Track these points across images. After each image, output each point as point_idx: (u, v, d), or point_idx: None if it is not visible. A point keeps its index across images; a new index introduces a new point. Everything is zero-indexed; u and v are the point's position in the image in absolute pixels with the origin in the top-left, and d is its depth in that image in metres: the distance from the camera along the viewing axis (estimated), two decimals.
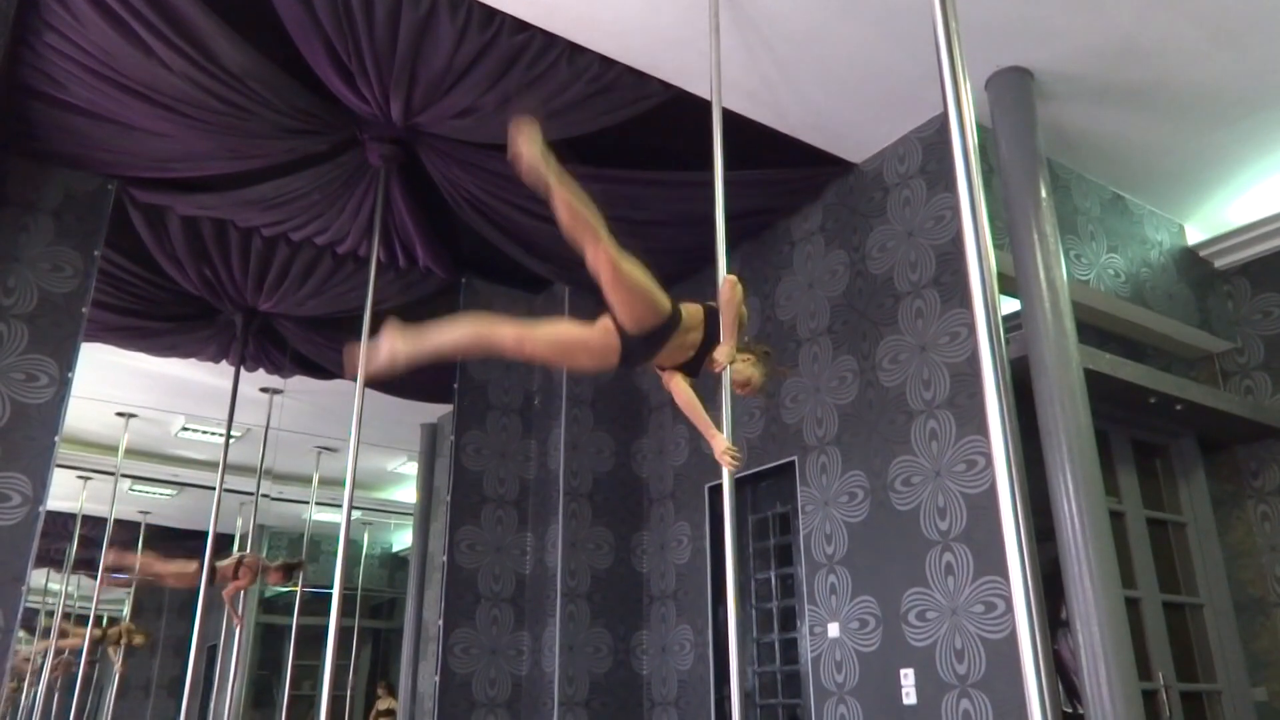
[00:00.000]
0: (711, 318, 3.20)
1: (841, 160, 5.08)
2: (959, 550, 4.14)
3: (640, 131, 4.70)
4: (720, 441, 3.12)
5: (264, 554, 11.61)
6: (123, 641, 9.90)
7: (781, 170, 5.10)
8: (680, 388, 3.23)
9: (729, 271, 3.32)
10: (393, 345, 2.83)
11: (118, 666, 10.35)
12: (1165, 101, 4.49)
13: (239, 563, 7.19)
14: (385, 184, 5.05)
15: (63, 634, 10.71)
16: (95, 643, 10.05)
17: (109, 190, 5.04)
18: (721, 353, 3.12)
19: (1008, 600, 3.84)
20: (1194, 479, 5.26)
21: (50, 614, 11.81)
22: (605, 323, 3.05)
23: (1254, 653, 5.00)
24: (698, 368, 3.24)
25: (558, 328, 3.34)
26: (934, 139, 4.67)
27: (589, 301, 6.42)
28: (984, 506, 4.05)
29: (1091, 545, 3.39)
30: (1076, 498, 3.47)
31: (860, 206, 5.06)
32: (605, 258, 2.89)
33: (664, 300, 3.05)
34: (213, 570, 7.07)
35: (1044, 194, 3.98)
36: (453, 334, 2.91)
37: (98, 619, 10.30)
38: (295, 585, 8.55)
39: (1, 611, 4.19)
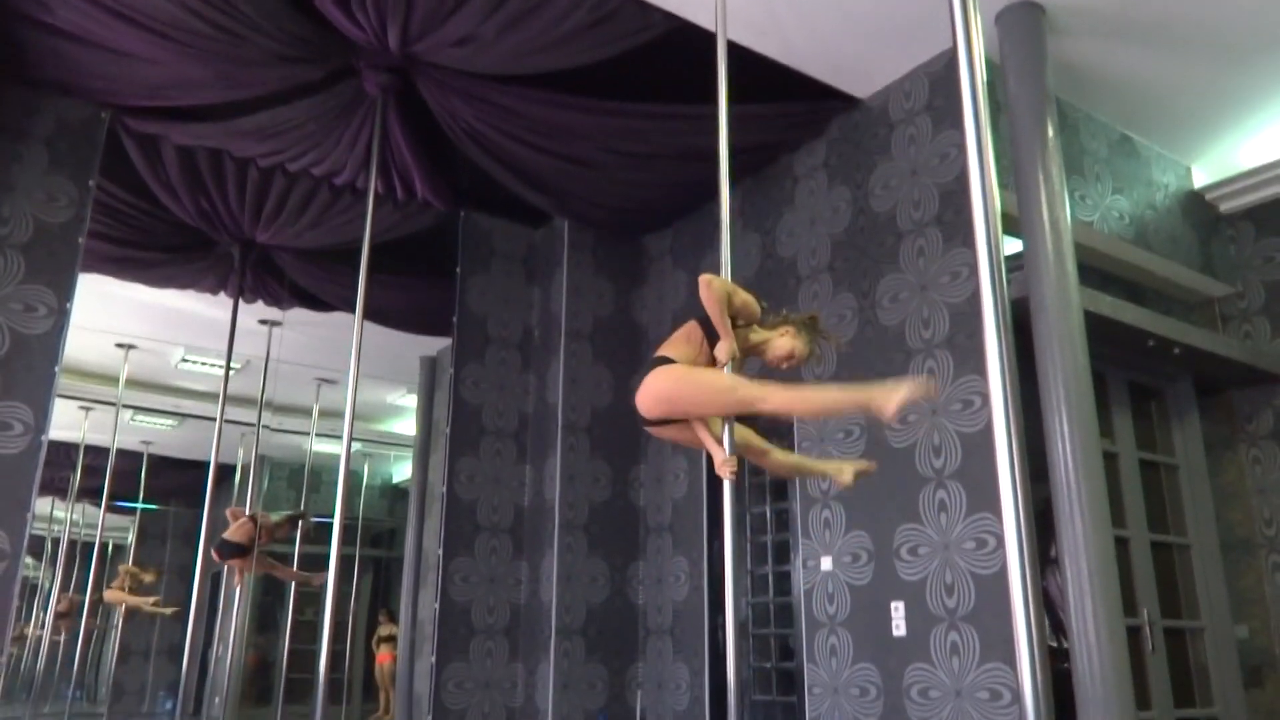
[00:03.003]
0: (708, 323, 3.10)
1: (846, 95, 5.01)
2: (952, 488, 4.19)
3: (641, 63, 4.62)
4: (719, 453, 3.05)
5: (265, 484, 11.72)
6: (128, 586, 9.99)
7: (785, 104, 5.03)
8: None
9: (731, 200, 3.27)
10: None
11: (121, 611, 10.47)
12: (1179, 39, 4.41)
13: (255, 527, 7.17)
14: (382, 114, 4.98)
15: (62, 614, 10.85)
16: (95, 604, 10.14)
17: (102, 119, 4.98)
18: (721, 350, 3.02)
19: (998, 537, 3.89)
20: (1188, 422, 5.29)
21: (56, 541, 11.97)
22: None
23: (1238, 591, 5.09)
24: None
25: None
26: (941, 74, 4.60)
27: (588, 236, 6.42)
28: (979, 445, 4.08)
29: (1084, 485, 3.43)
30: (1071, 438, 3.49)
31: (864, 143, 5.01)
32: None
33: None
34: (236, 546, 7.05)
35: (1051, 133, 3.93)
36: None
37: (103, 546, 10.44)
38: (297, 537, 8.60)
39: (8, 538, 4.25)
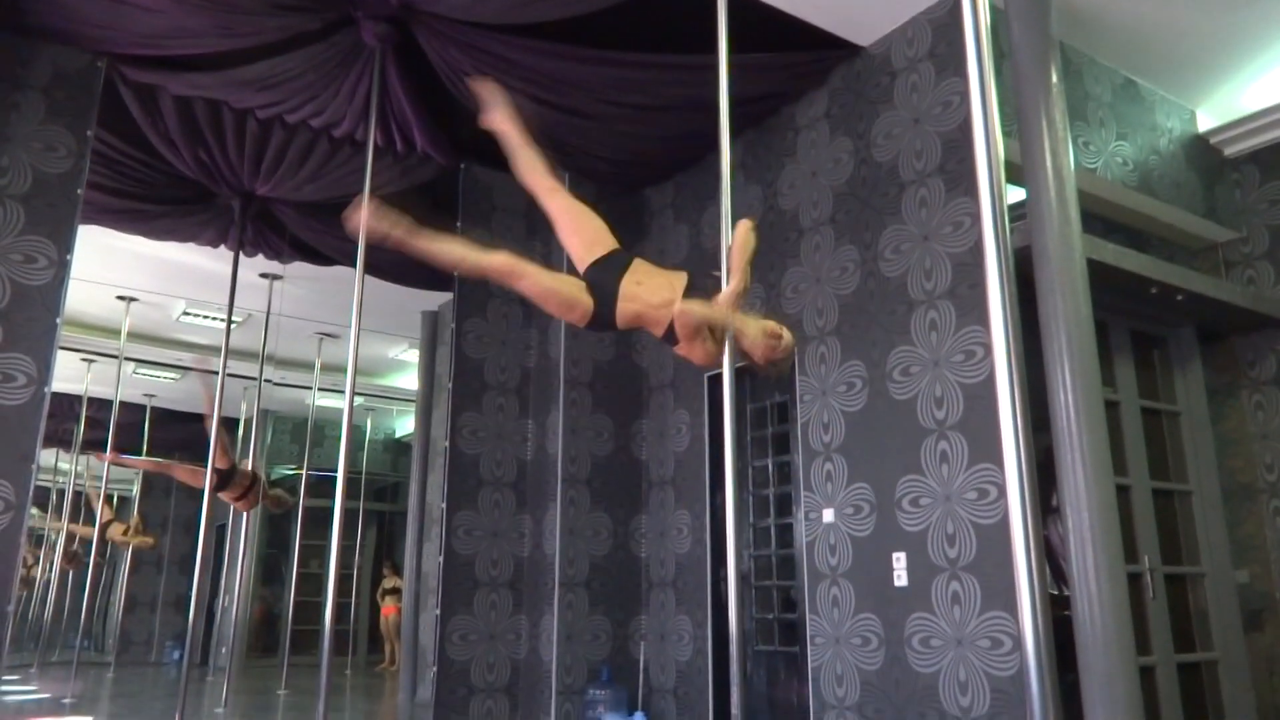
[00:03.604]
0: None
1: (848, 43, 4.94)
2: (954, 439, 4.20)
3: (641, 13, 4.56)
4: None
5: (268, 438, 11.76)
6: (129, 537, 10.08)
7: (786, 54, 4.97)
8: (685, 320, 3.04)
9: (731, 158, 3.26)
10: (388, 225, 3.02)
11: (127, 557, 10.56)
12: None
13: (252, 482, 7.27)
14: (381, 65, 4.92)
15: (71, 557, 10.93)
16: (102, 536, 10.22)
17: (99, 68, 4.92)
18: (726, 297, 3.03)
19: (1000, 487, 3.92)
20: (1190, 369, 5.30)
21: (61, 492, 12.06)
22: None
23: (1239, 537, 5.13)
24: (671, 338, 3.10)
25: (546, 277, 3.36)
26: (945, 20, 4.54)
27: (589, 189, 6.37)
28: (981, 396, 4.09)
29: (1086, 435, 3.43)
30: (1073, 388, 3.49)
31: (866, 92, 4.95)
32: (526, 283, 3.06)
33: (578, 296, 3.07)
34: (225, 477, 7.16)
35: (1055, 79, 3.88)
36: (450, 250, 3.12)
37: (107, 498, 10.54)
38: (296, 514, 8.64)
39: (13, 489, 4.27)
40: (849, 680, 4.52)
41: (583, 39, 4.76)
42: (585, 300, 3.04)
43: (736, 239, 3.07)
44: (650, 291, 3.07)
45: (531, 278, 3.03)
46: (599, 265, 3.11)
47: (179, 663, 10.55)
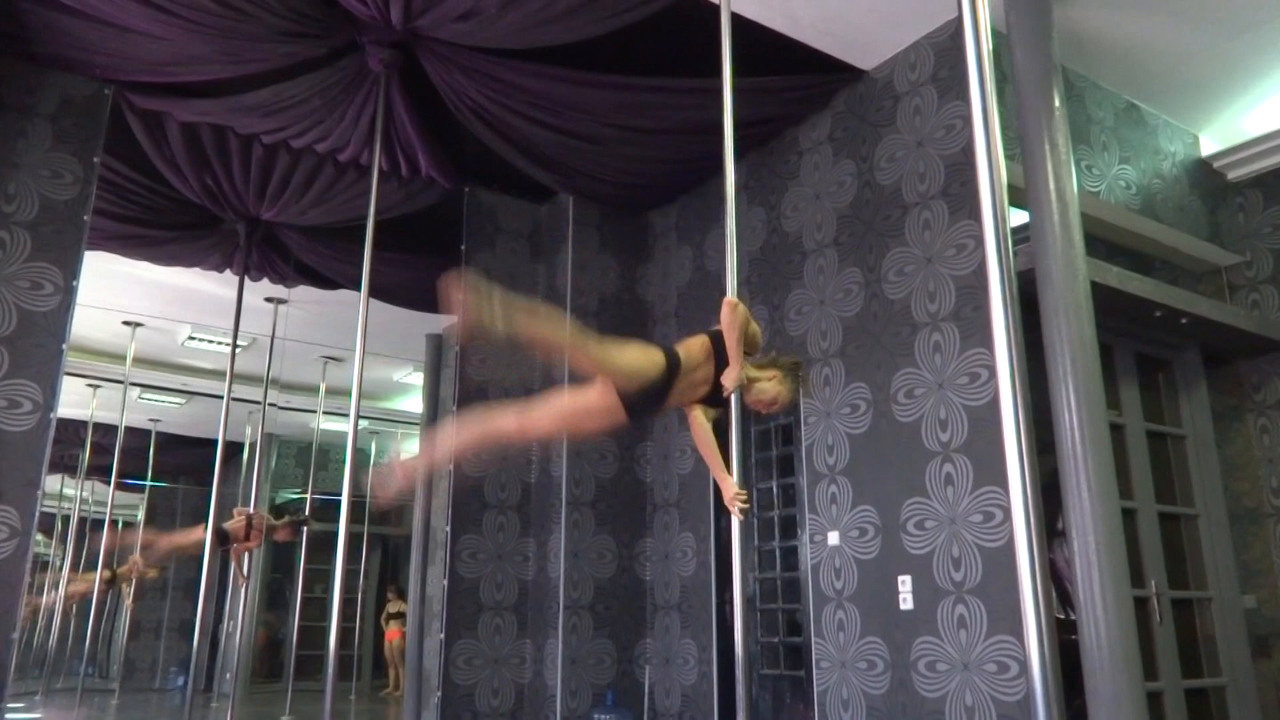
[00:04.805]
0: (718, 342, 3.04)
1: (851, 67, 4.97)
2: (959, 461, 4.19)
3: (645, 37, 4.59)
4: (729, 487, 3.02)
5: (273, 462, 11.76)
6: (135, 576, 10.04)
7: (790, 78, 5.00)
8: (698, 424, 3.11)
9: (735, 175, 3.26)
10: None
11: (129, 594, 10.51)
12: (1185, 6, 4.36)
13: (248, 523, 7.20)
14: (386, 90, 4.96)
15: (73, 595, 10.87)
16: (106, 584, 10.19)
17: (106, 95, 4.97)
18: (728, 378, 2.97)
19: (1006, 510, 3.90)
20: (1195, 392, 5.28)
21: (66, 519, 12.05)
22: (601, 385, 2.99)
23: (1246, 562, 5.09)
24: (719, 397, 3.07)
25: (558, 403, 3.30)
26: (947, 45, 4.56)
27: (593, 212, 6.40)
28: (985, 418, 4.08)
29: (1091, 457, 3.42)
30: (1078, 410, 3.48)
31: (869, 115, 4.97)
32: (587, 362, 2.96)
33: (653, 359, 2.97)
34: (224, 534, 7.09)
35: (1057, 103, 3.89)
36: (462, 434, 3.04)
37: (113, 524, 10.51)
38: (301, 538, 8.55)
39: (18, 515, 4.27)
40: (855, 704, 4.48)
41: (586, 63, 4.80)
42: (614, 402, 2.97)
43: (724, 321, 2.98)
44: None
45: (544, 418, 3.05)
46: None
47: (183, 689, 10.50)
